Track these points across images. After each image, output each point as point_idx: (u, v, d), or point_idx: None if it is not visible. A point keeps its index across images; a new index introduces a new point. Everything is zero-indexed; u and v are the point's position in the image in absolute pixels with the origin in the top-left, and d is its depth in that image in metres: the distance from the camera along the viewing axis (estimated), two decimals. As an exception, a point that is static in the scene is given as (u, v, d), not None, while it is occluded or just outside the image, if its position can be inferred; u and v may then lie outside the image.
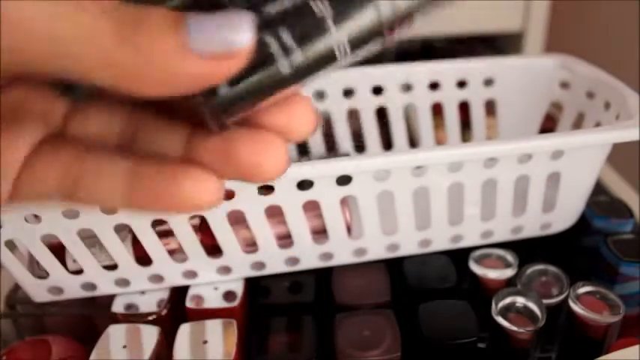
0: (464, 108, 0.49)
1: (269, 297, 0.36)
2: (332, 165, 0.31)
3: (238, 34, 0.15)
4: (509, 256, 0.36)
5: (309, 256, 0.36)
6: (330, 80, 0.46)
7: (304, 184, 0.32)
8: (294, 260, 0.36)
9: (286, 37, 0.16)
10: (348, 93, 0.47)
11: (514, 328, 0.31)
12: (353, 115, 0.48)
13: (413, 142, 0.50)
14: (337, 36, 0.17)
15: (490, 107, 0.49)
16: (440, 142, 0.50)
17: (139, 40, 0.15)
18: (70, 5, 0.15)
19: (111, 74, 0.15)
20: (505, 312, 0.32)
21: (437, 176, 0.34)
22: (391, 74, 0.47)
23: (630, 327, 0.34)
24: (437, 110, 0.49)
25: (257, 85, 0.17)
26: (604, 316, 0.32)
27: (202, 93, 0.16)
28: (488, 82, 0.48)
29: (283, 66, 0.16)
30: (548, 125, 0.47)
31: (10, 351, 0.33)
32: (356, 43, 0.17)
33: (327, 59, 0.17)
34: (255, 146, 0.18)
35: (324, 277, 0.37)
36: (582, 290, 0.33)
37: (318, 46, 0.17)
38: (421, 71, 0.47)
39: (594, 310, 0.32)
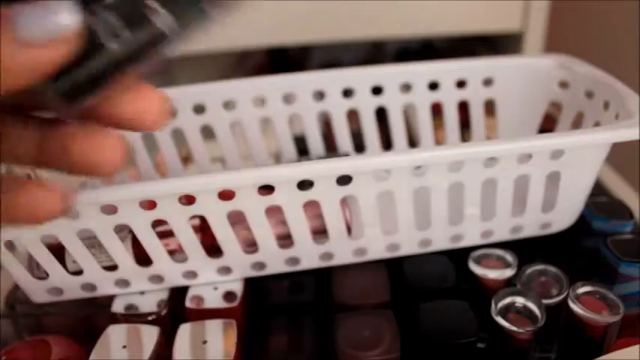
0: (463, 108, 0.49)
1: (269, 297, 0.36)
2: (332, 165, 0.31)
3: (62, 17, 0.16)
4: (509, 256, 0.36)
5: (309, 256, 0.36)
6: (330, 80, 0.46)
7: (304, 184, 0.32)
8: (294, 260, 0.36)
9: (113, 19, 0.17)
10: (347, 93, 0.47)
11: (514, 328, 0.31)
12: (353, 115, 0.48)
13: (413, 142, 0.50)
14: (163, 13, 0.17)
15: (489, 107, 0.49)
16: (439, 142, 0.50)
17: None
18: None
19: None
20: (505, 312, 0.32)
21: (437, 176, 0.34)
22: (391, 74, 0.47)
23: (630, 327, 0.34)
24: (436, 110, 0.49)
25: (92, 69, 0.17)
26: (603, 316, 0.32)
27: (44, 84, 0.17)
28: (488, 82, 0.48)
29: (113, 47, 0.17)
30: (548, 125, 0.47)
31: (9, 351, 0.33)
32: (183, 20, 0.18)
33: (155, 38, 0.17)
34: (89, 146, 0.19)
35: (324, 277, 0.37)
36: (582, 290, 0.33)
37: (146, 24, 0.17)
38: (421, 71, 0.47)
39: (594, 310, 0.32)
